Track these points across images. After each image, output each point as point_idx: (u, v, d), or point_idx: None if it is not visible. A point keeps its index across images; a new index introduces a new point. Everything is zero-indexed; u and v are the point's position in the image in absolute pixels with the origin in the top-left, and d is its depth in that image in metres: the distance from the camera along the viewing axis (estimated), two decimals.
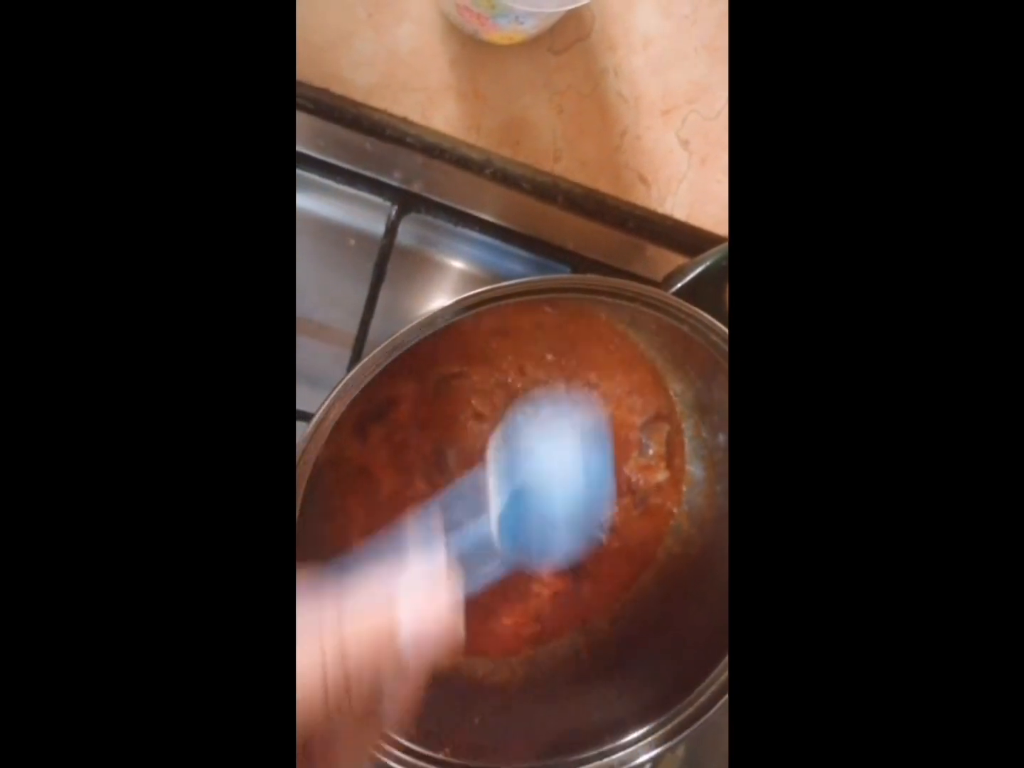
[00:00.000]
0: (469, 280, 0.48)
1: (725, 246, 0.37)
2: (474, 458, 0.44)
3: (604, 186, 0.47)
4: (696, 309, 0.34)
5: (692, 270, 0.37)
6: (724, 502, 0.44)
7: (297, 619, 0.22)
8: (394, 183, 0.44)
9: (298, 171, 0.43)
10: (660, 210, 0.48)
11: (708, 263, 0.37)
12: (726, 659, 0.39)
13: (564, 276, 0.43)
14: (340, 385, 0.31)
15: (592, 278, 0.35)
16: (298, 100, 0.43)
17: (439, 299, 0.48)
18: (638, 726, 0.40)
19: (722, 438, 0.43)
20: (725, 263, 0.36)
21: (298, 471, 0.32)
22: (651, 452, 0.46)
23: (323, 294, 0.46)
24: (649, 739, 0.39)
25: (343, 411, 0.32)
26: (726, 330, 0.35)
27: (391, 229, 0.43)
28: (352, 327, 0.42)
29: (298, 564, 0.24)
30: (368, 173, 0.44)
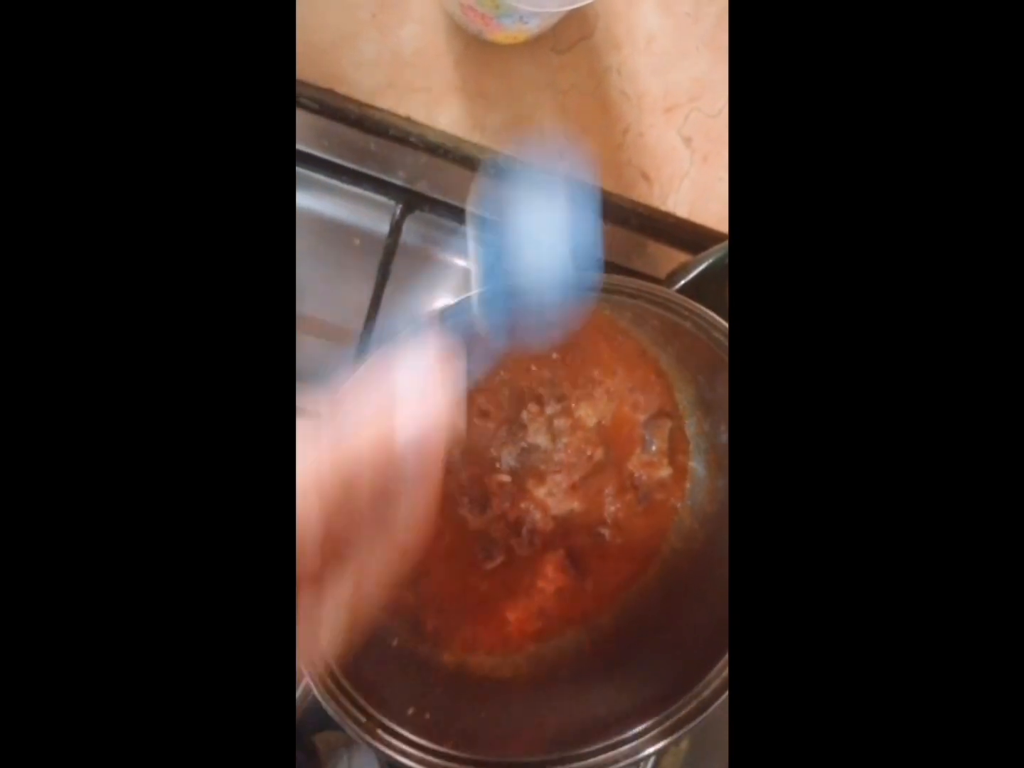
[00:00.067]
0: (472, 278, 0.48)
1: (727, 243, 0.37)
2: (480, 455, 0.44)
3: (607, 184, 0.47)
4: (699, 306, 0.34)
5: (695, 267, 0.37)
6: (727, 498, 0.44)
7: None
8: (398, 182, 0.45)
9: (303, 171, 0.43)
10: (662, 207, 0.48)
11: (711, 260, 0.37)
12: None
13: None
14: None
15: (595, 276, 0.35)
16: (302, 100, 0.43)
17: (443, 297, 0.48)
18: (642, 720, 0.40)
19: (725, 434, 0.43)
20: (727, 260, 0.37)
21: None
22: (654, 448, 0.46)
23: (328, 293, 0.46)
24: (653, 733, 0.40)
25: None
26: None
27: (395, 228, 0.43)
28: (357, 325, 0.43)
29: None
30: (372, 172, 0.44)
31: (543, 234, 0.27)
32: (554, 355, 0.44)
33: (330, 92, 0.43)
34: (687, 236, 0.49)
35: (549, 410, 0.44)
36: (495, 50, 0.44)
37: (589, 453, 0.45)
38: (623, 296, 0.34)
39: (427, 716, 0.39)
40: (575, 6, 0.38)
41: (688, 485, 0.47)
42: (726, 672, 0.39)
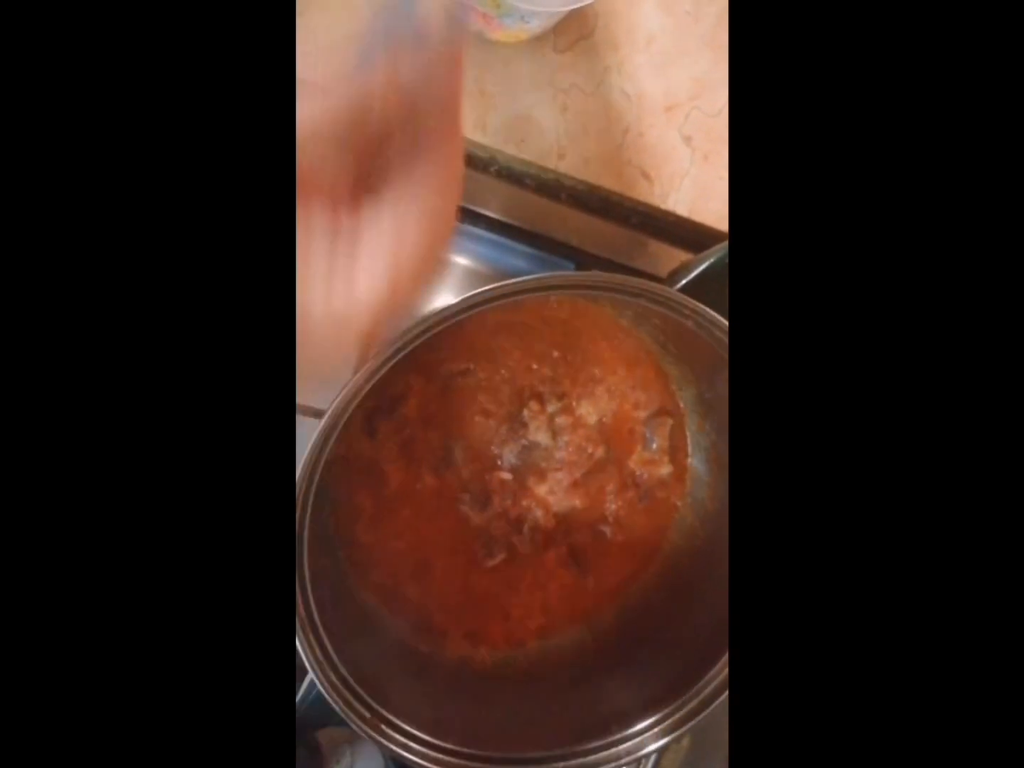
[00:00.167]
0: (474, 277, 0.48)
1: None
2: (482, 453, 0.45)
3: (608, 183, 0.47)
4: (700, 305, 0.34)
5: (696, 266, 0.37)
6: (727, 496, 0.45)
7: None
8: None
9: None
10: (663, 206, 0.48)
11: (712, 259, 0.37)
12: None
13: (569, 273, 0.44)
14: (351, 382, 0.32)
15: (597, 275, 0.35)
16: None
17: (445, 296, 0.48)
18: (644, 717, 0.40)
19: (725, 432, 0.44)
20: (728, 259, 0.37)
21: (310, 467, 0.33)
22: (655, 446, 0.46)
23: None
24: (655, 730, 0.40)
25: (353, 408, 0.32)
26: None
27: None
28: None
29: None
30: None
31: None
32: (555, 353, 0.44)
33: None
34: (688, 235, 0.49)
35: (550, 408, 0.44)
36: (496, 49, 0.44)
37: (590, 451, 0.45)
38: (624, 295, 0.34)
39: (430, 712, 0.39)
40: (576, 6, 0.38)
41: (689, 483, 0.47)
42: (727, 670, 0.39)
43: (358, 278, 0.22)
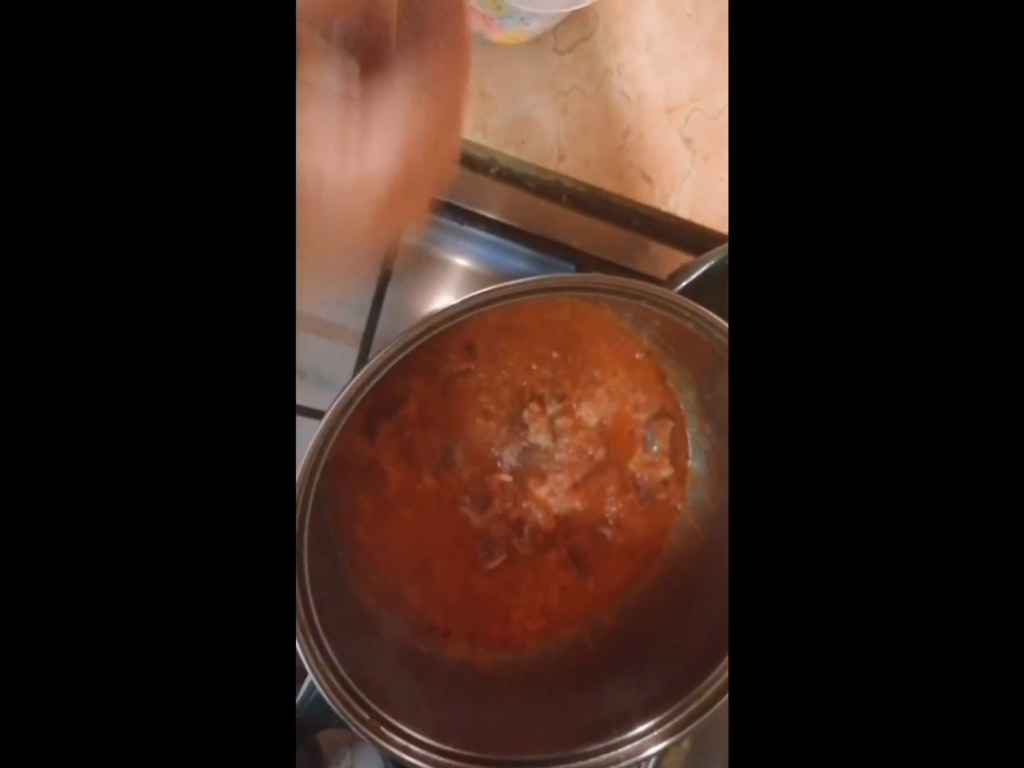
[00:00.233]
0: (475, 278, 0.48)
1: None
2: (482, 455, 0.45)
3: (608, 185, 0.47)
4: (700, 307, 0.34)
5: (697, 268, 0.37)
6: (727, 498, 0.45)
7: None
8: None
9: None
10: (664, 208, 0.48)
11: (712, 262, 0.37)
12: None
13: (569, 275, 0.44)
14: (350, 383, 0.32)
15: (597, 277, 0.35)
16: None
17: (445, 297, 0.48)
18: (644, 720, 0.40)
19: (725, 435, 0.44)
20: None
21: (309, 468, 0.33)
22: (655, 449, 0.46)
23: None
24: (655, 733, 0.40)
25: (353, 409, 0.32)
26: None
27: None
28: (360, 325, 0.43)
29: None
30: None
31: None
32: (555, 354, 0.44)
33: None
34: (688, 237, 0.49)
35: (550, 410, 0.44)
36: (496, 51, 0.44)
37: (590, 453, 0.45)
38: (625, 297, 0.34)
39: (430, 714, 0.39)
40: (576, 7, 0.38)
41: (689, 485, 0.47)
42: (728, 672, 0.39)
43: (371, 149, 0.22)
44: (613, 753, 0.40)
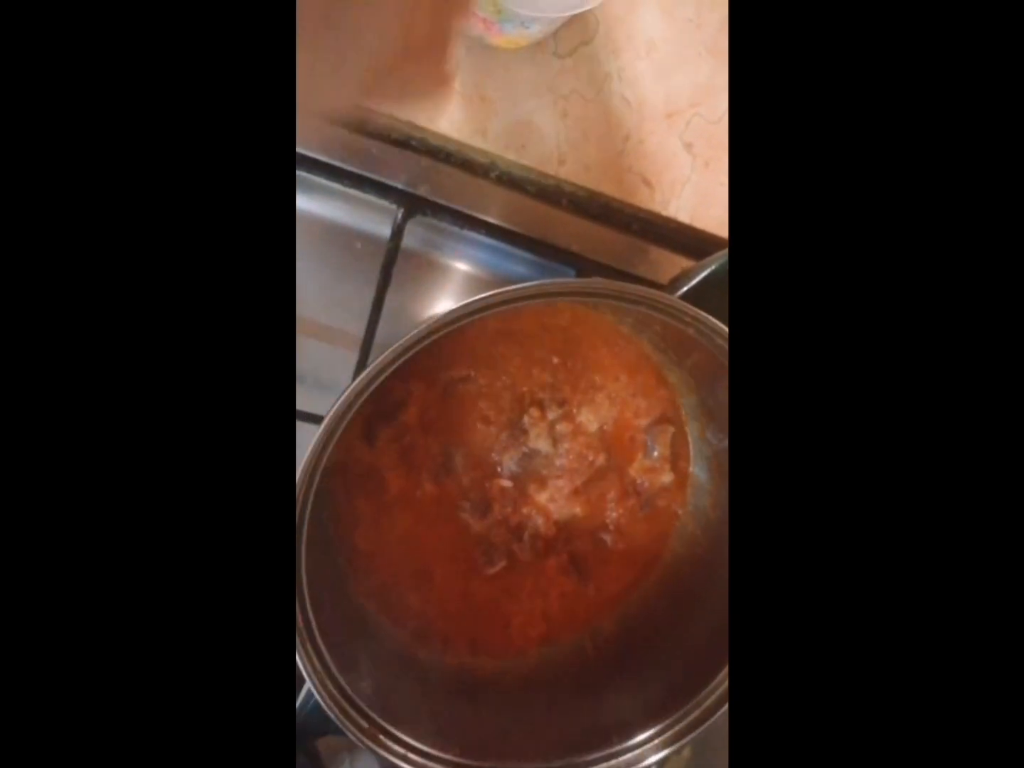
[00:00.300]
0: (475, 283, 0.48)
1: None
2: (482, 460, 0.44)
3: (608, 189, 0.47)
4: (701, 312, 0.34)
5: (697, 274, 0.37)
6: (728, 503, 0.44)
7: None
8: (400, 186, 0.45)
9: (304, 174, 0.43)
10: (664, 213, 0.48)
11: (713, 267, 0.37)
12: None
13: (569, 280, 0.43)
14: (349, 388, 0.32)
15: (597, 282, 0.35)
16: None
17: (445, 302, 0.48)
18: (645, 727, 0.40)
19: (726, 440, 0.43)
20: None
21: (308, 473, 0.32)
22: (656, 454, 0.46)
23: (330, 297, 0.46)
24: (656, 741, 0.40)
25: (352, 414, 0.32)
26: None
27: (397, 232, 0.43)
28: (359, 330, 0.43)
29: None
30: (374, 176, 0.44)
31: None
32: (555, 359, 0.44)
33: None
34: (689, 241, 0.49)
35: (550, 415, 0.44)
36: (496, 54, 0.44)
37: (591, 458, 0.45)
38: (625, 302, 0.34)
39: (429, 721, 0.39)
40: (576, 11, 0.38)
41: (690, 491, 0.46)
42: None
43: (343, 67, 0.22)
44: (613, 761, 0.40)
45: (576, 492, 0.45)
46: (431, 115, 0.44)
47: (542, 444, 0.44)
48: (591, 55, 0.45)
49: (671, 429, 0.45)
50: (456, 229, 0.46)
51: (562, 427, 0.45)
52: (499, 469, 0.45)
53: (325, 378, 0.46)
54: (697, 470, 0.46)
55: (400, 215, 0.43)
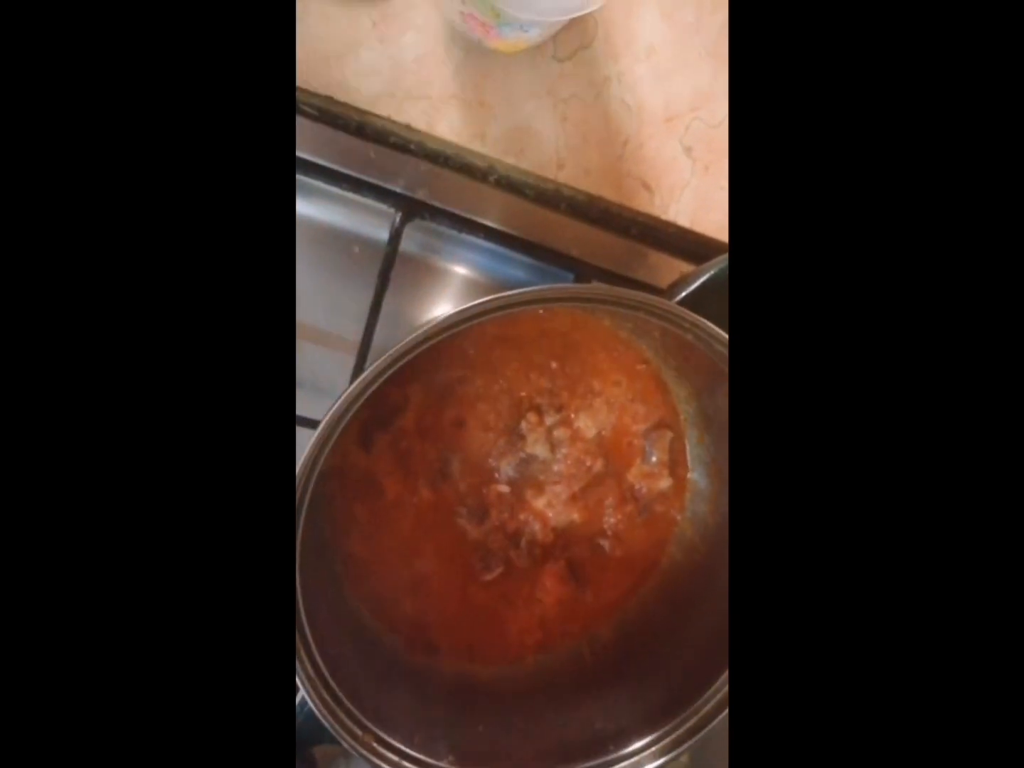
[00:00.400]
0: (473, 287, 0.48)
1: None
2: (479, 465, 0.44)
3: (607, 193, 0.47)
4: (700, 318, 0.34)
5: (696, 279, 0.37)
6: (727, 510, 0.44)
7: None
8: (398, 190, 0.44)
9: (303, 178, 0.43)
10: (664, 217, 0.48)
11: (712, 272, 0.37)
12: None
13: (567, 286, 0.43)
14: (345, 393, 0.31)
15: (595, 287, 0.35)
16: (303, 107, 0.43)
17: (443, 306, 0.48)
18: (642, 735, 0.40)
19: (726, 446, 0.43)
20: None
21: (303, 478, 0.32)
22: (654, 460, 0.46)
23: (327, 301, 0.46)
24: (653, 748, 0.39)
25: (348, 418, 0.32)
26: None
27: (395, 236, 0.43)
28: (356, 334, 0.43)
29: None
30: (373, 180, 0.44)
31: None
32: (553, 364, 0.44)
33: (330, 99, 0.43)
34: (688, 246, 0.48)
35: (548, 420, 0.44)
36: (495, 58, 0.44)
37: (588, 464, 0.45)
38: (623, 308, 0.34)
39: (424, 729, 0.39)
40: (576, 14, 0.38)
41: (688, 497, 0.46)
42: (727, 688, 0.39)
43: None
44: None
45: (574, 498, 0.45)
46: (430, 119, 0.44)
47: (540, 450, 0.44)
48: (590, 59, 0.45)
49: (670, 434, 0.45)
50: (454, 233, 0.45)
51: (560, 432, 0.44)
52: (496, 475, 0.44)
53: (322, 382, 0.46)
54: (696, 476, 0.46)
55: (398, 219, 0.43)
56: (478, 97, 0.44)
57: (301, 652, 0.34)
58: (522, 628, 0.45)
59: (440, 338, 0.32)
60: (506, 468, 0.44)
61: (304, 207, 0.45)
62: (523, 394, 0.44)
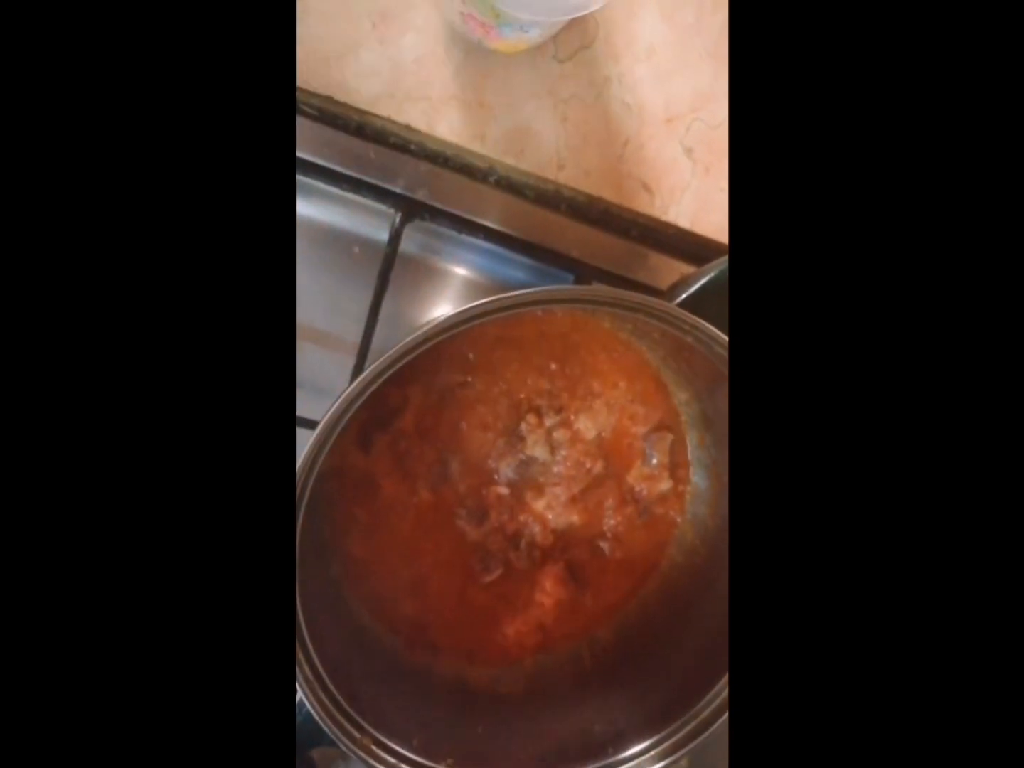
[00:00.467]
0: (473, 288, 0.48)
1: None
2: (478, 467, 0.44)
3: (608, 195, 0.47)
4: (700, 320, 0.34)
5: (696, 281, 0.37)
6: (728, 512, 0.44)
7: None
8: (398, 191, 0.44)
9: (303, 178, 0.43)
10: (664, 218, 0.48)
11: (712, 274, 0.36)
12: None
13: (567, 287, 0.43)
14: (344, 393, 0.31)
15: (595, 289, 0.35)
16: (303, 108, 0.43)
17: (443, 307, 0.48)
18: (641, 738, 0.40)
19: (726, 448, 0.43)
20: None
21: (302, 479, 0.32)
22: (654, 462, 0.45)
23: (327, 302, 0.46)
24: (652, 752, 0.39)
25: (347, 419, 0.32)
26: None
27: (395, 237, 0.43)
28: (356, 335, 0.42)
29: None
30: (372, 181, 0.44)
31: None
32: (553, 366, 0.44)
33: (330, 100, 0.43)
34: (689, 247, 0.48)
35: (548, 422, 0.44)
36: (495, 59, 0.44)
37: (588, 466, 0.45)
38: (622, 309, 0.34)
39: (422, 731, 0.39)
40: (576, 15, 0.38)
41: (689, 499, 0.46)
42: (727, 691, 0.38)
43: None
44: None
45: (573, 500, 0.45)
46: (430, 119, 0.44)
47: (539, 451, 0.44)
48: (591, 59, 0.45)
49: (670, 436, 0.45)
50: (454, 234, 0.45)
51: (560, 434, 0.44)
52: (496, 476, 0.44)
53: (321, 383, 0.46)
54: (696, 478, 0.46)
55: (398, 219, 0.42)
56: (478, 98, 0.44)
57: (299, 653, 0.33)
58: (521, 630, 0.45)
59: (440, 339, 0.32)
60: (506, 470, 0.44)
61: (304, 207, 0.45)
62: (523, 395, 0.44)
